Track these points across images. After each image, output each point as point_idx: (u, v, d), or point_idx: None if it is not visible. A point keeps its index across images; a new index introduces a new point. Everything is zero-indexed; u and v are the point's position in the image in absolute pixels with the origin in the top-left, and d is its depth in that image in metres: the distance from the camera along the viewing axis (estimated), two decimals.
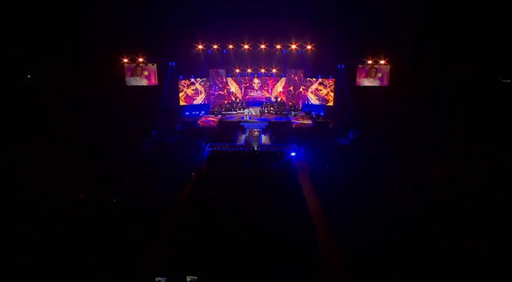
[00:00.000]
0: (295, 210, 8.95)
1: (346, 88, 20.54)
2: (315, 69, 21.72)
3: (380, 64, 20.26)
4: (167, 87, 20.47)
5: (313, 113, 22.70)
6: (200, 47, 20.14)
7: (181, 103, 22.02)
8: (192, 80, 22.01)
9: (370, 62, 20.07)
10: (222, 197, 9.88)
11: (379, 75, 21.02)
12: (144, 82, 20.49)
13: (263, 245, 7.02)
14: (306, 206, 9.42)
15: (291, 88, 23.20)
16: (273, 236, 7.31)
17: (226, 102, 23.35)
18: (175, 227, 8.11)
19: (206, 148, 15.11)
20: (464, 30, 17.71)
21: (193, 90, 22.47)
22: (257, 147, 15.19)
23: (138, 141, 15.06)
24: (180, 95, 21.73)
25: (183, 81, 21.71)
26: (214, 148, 14.91)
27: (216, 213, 8.70)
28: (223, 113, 22.20)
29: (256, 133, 18.32)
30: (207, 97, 23.22)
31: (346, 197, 9.67)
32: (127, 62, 19.65)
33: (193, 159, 13.69)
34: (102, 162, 12.16)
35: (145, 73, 20.44)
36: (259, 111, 22.33)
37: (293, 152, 14.65)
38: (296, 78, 22.88)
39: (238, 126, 19.38)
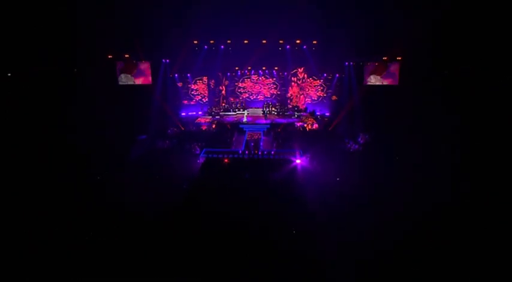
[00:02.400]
0: (300, 231, 7.86)
1: (355, 87, 18.93)
2: (320, 66, 20.09)
3: (390, 62, 18.58)
4: (160, 86, 18.84)
5: (318, 113, 21.21)
6: (195, 42, 18.40)
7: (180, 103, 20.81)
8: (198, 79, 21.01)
9: (384, 58, 18.30)
10: (217, 216, 8.46)
11: (389, 73, 19.45)
12: (137, 81, 18.86)
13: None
14: (313, 226, 8.15)
15: (294, 86, 21.65)
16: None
17: (224, 102, 21.82)
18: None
19: (201, 154, 13.57)
20: (476, 24, 16.09)
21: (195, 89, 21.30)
22: (258, 154, 13.62)
23: (124, 147, 13.51)
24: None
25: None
26: (210, 155, 13.38)
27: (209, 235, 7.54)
28: (221, 113, 20.67)
29: (257, 137, 16.80)
30: (206, 96, 21.78)
31: (360, 215, 8.45)
32: (117, 59, 17.98)
33: (186, 168, 12.18)
34: (78, 172, 10.65)
35: (138, 71, 18.83)
36: (261, 112, 20.82)
37: (298, 158, 13.14)
38: (299, 76, 21.33)
39: (237, 129, 17.85)
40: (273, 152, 13.88)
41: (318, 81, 21.27)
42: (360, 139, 15.92)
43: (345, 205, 9.12)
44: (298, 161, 12.94)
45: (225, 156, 13.13)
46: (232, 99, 22.09)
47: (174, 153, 13.43)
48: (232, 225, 8.06)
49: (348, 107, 18.64)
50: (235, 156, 13.16)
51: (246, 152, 14.37)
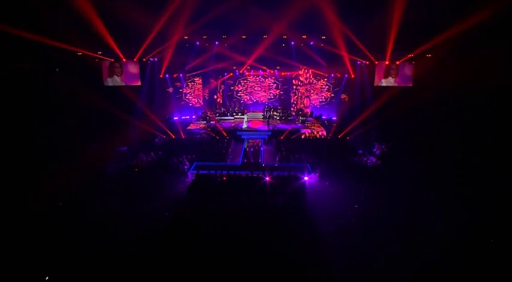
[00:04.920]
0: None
1: (368, 89, 16.79)
2: (328, 65, 17.91)
3: (404, 60, 16.35)
4: (146, 88, 16.66)
5: (324, 117, 19.16)
6: (185, 37, 16.09)
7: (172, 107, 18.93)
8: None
9: (410, 55, 15.95)
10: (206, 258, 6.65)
11: (403, 73, 17.30)
12: (125, 82, 16.62)
13: None
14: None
15: (298, 88, 19.56)
16: None
17: (220, 105, 19.74)
18: None
19: (190, 170, 11.44)
20: None
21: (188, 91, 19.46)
22: (257, 170, 11.49)
23: (99, 161, 11.38)
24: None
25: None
26: (201, 171, 11.25)
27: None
28: (217, 118, 18.55)
29: (257, 145, 14.69)
30: (200, 98, 19.74)
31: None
32: (97, 58, 15.67)
33: (171, 189, 10.07)
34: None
35: (125, 71, 16.59)
36: (261, 117, 18.74)
37: (306, 175, 11.05)
38: (304, 76, 19.24)
39: (235, 137, 15.73)
40: (276, 167, 11.78)
41: (324, 82, 19.25)
42: (375, 150, 13.84)
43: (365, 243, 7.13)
44: (306, 178, 10.88)
45: (219, 172, 10.99)
46: (229, 102, 20.02)
47: (158, 169, 11.27)
48: (226, 264, 6.47)
49: (359, 112, 16.47)
50: (231, 172, 11.01)
51: (245, 160, 12.50)
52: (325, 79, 19.23)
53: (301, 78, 19.23)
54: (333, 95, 19.35)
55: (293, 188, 10.04)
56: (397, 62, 15.98)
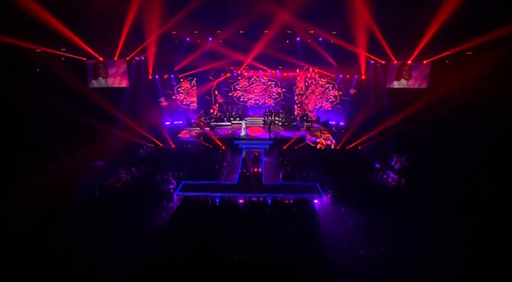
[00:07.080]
0: None
1: (384, 93, 14.87)
2: (338, 64, 15.92)
3: (433, 59, 14.30)
4: (130, 91, 14.73)
5: (331, 123, 17.26)
6: (174, 32, 14.05)
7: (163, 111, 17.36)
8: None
9: (447, 52, 13.64)
10: None
11: (417, 74, 15.34)
12: (108, 84, 14.76)
13: None
14: None
15: (302, 89, 17.72)
16: None
17: (216, 109, 17.85)
18: None
19: (176, 192, 9.53)
20: None
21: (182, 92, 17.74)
22: (257, 191, 9.57)
23: (69, 180, 9.47)
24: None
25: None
26: (189, 192, 9.35)
27: None
28: (212, 124, 16.65)
29: (257, 156, 12.81)
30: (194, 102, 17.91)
31: None
32: (68, 57, 13.56)
33: (150, 219, 8.15)
34: None
35: (110, 72, 14.70)
36: (261, 122, 16.89)
37: (315, 197, 9.19)
38: (309, 77, 17.37)
39: (231, 147, 13.84)
40: (278, 187, 9.90)
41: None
42: (393, 163, 11.94)
43: None
44: (315, 201, 9.03)
45: (210, 195, 9.10)
46: (226, 105, 18.12)
47: (137, 190, 9.32)
48: None
49: (374, 118, 14.53)
50: (226, 195, 9.11)
51: (244, 170, 10.78)
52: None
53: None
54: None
55: (300, 214, 8.18)
56: (424, 62, 13.92)
